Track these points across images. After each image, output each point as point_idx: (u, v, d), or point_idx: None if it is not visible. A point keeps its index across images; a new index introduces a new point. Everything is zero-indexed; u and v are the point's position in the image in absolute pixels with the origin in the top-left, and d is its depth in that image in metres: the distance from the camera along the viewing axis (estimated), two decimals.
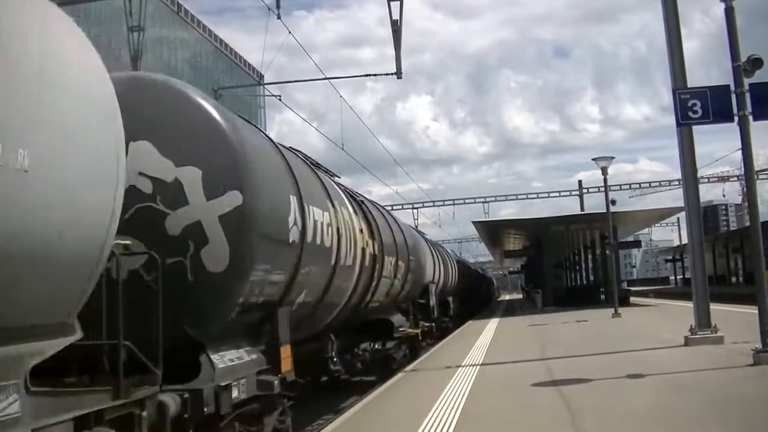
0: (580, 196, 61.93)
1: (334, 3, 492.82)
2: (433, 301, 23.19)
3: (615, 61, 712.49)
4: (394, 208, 55.98)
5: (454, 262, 36.39)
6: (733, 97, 12.59)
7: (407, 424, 9.12)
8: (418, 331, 19.69)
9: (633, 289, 67.20)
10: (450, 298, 31.55)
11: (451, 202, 67.34)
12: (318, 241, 9.70)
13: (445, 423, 8.88)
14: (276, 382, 8.08)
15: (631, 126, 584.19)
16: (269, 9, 23.31)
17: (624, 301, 34.20)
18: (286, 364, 8.55)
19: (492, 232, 49.28)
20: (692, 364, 12.41)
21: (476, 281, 55.23)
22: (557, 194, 68.71)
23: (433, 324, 23.19)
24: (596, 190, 60.07)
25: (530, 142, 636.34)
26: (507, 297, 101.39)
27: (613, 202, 35.42)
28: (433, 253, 26.11)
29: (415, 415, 9.58)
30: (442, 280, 27.33)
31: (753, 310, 12.98)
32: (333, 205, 11.08)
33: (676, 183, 58.04)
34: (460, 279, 36.97)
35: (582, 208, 56.18)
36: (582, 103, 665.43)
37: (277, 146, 9.53)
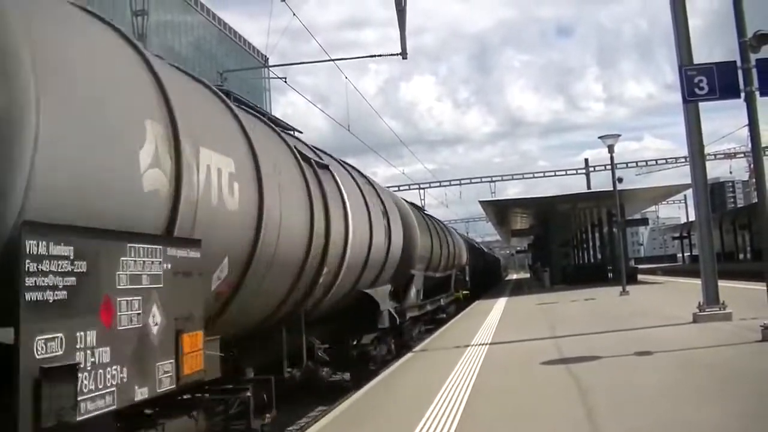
0: (587, 174, 61.93)
1: None
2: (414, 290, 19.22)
3: (618, 40, 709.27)
4: (401, 188, 56.09)
5: (460, 242, 36.05)
6: (740, 72, 12.55)
7: (419, 400, 9.18)
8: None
9: (640, 266, 67.27)
10: (452, 278, 29.58)
11: (458, 182, 67.33)
12: (214, 200, 6.57)
13: (455, 400, 8.94)
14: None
15: (635, 104, 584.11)
16: None
17: (632, 279, 34.24)
18: (191, 363, 5.70)
19: (499, 211, 49.27)
20: (701, 341, 12.45)
21: (483, 261, 55.21)
22: (563, 173, 68.74)
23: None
24: (602, 168, 60.12)
25: (534, 121, 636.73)
26: (514, 276, 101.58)
27: (620, 180, 35.31)
28: (430, 227, 23.46)
29: (426, 392, 9.65)
30: (442, 261, 25.61)
31: (761, 287, 12.99)
32: (254, 154, 7.80)
33: (683, 160, 57.97)
34: (467, 259, 36.72)
35: (588, 187, 56.15)
36: (585, 82, 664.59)
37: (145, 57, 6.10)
